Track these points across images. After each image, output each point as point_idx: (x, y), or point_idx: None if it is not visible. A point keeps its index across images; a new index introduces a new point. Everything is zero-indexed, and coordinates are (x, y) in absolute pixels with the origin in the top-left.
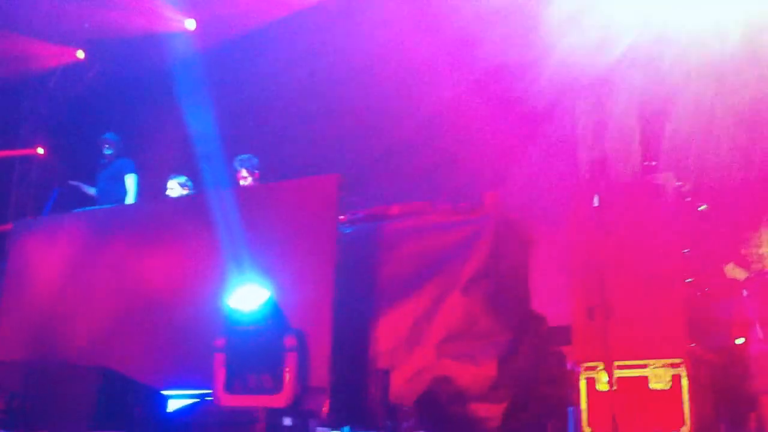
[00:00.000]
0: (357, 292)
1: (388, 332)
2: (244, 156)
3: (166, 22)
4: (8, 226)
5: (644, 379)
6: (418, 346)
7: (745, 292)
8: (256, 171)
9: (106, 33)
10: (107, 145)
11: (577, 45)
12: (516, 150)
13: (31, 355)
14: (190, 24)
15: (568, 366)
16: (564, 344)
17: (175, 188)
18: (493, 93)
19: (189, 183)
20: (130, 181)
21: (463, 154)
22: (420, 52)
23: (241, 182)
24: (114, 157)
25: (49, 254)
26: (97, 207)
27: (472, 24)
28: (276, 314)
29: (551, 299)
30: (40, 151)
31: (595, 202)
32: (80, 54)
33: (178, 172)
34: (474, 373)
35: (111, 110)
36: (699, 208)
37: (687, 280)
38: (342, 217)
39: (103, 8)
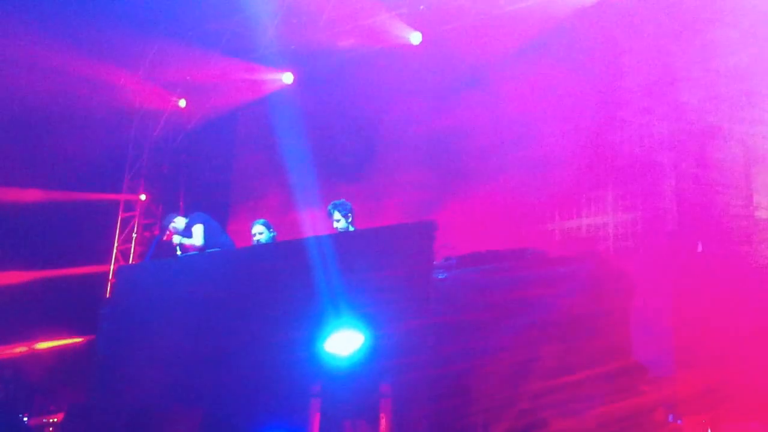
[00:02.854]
0: (453, 338)
1: (484, 379)
2: (338, 201)
3: (264, 75)
4: (106, 268)
5: None
6: (515, 395)
7: None
8: (350, 215)
9: (207, 84)
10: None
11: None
12: (612, 196)
13: (132, 397)
14: (288, 78)
15: (670, 418)
16: (667, 395)
17: (263, 232)
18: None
19: (271, 225)
20: (197, 230)
21: (561, 202)
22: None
23: (335, 226)
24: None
25: (149, 298)
26: (195, 253)
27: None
28: (372, 360)
29: (652, 348)
30: (143, 197)
31: (699, 248)
32: (182, 103)
33: (273, 218)
34: (573, 423)
35: (211, 158)
36: None
37: None
38: (437, 262)
39: (206, 61)
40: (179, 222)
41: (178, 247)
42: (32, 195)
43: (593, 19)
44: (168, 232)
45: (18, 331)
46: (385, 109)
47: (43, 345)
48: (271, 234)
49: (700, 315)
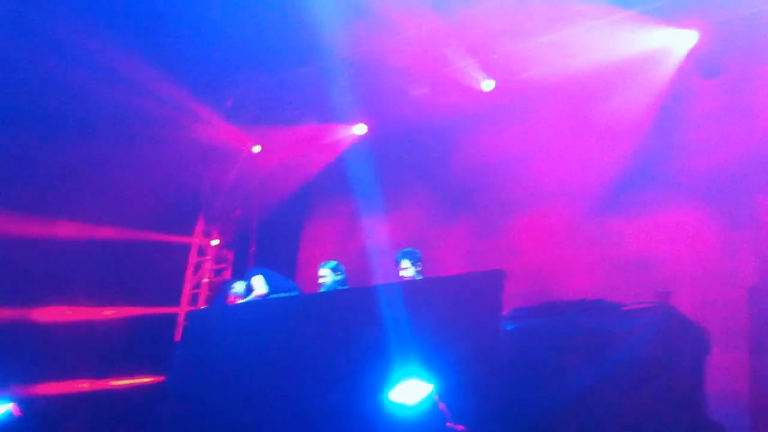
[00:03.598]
0: (522, 389)
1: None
2: (408, 249)
3: (338, 131)
4: (176, 310)
5: None
6: None
7: None
8: (419, 263)
9: (281, 130)
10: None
11: None
12: (687, 245)
13: None
14: (361, 129)
15: None
16: None
17: (327, 275)
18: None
19: (341, 267)
20: (257, 280)
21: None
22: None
23: (401, 274)
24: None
25: (219, 342)
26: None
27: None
28: (440, 410)
29: (727, 408)
30: (215, 242)
31: None
32: (257, 148)
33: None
34: None
35: (283, 205)
36: None
37: None
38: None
39: (281, 106)
40: (238, 287)
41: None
42: (105, 232)
43: None
44: (230, 297)
45: (89, 368)
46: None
47: (115, 383)
48: (339, 278)
49: None
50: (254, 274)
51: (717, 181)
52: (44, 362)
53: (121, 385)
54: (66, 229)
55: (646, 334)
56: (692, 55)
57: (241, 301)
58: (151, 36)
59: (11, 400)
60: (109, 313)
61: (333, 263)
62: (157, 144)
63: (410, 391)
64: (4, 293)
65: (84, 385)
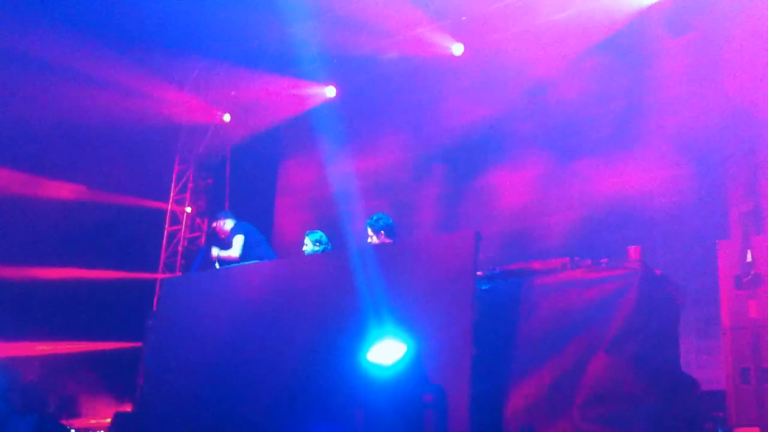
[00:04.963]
0: (496, 349)
1: (528, 392)
2: (375, 216)
3: (307, 90)
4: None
5: None
6: (560, 408)
7: None
8: (382, 231)
9: (251, 99)
10: (222, 223)
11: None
12: (658, 205)
13: (177, 408)
14: (330, 91)
15: None
16: (715, 409)
17: (308, 244)
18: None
19: (324, 239)
20: (237, 241)
21: (606, 210)
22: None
23: (369, 241)
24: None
25: (194, 309)
26: (239, 263)
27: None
28: (415, 370)
29: (701, 361)
30: (188, 209)
31: (749, 258)
32: (227, 118)
33: (321, 224)
34: None
35: (255, 173)
36: None
37: None
38: (479, 273)
39: (250, 77)
40: (227, 224)
41: (216, 261)
42: (79, 191)
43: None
44: (215, 228)
45: (62, 330)
46: (427, 120)
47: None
48: (318, 248)
49: (753, 325)
50: (240, 232)
51: (689, 139)
52: (20, 322)
53: (99, 347)
54: (43, 188)
55: (620, 292)
56: (661, 14)
57: (214, 250)
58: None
59: None
60: (87, 274)
61: (317, 234)
62: (127, 117)
63: (386, 351)
64: None
65: (62, 347)
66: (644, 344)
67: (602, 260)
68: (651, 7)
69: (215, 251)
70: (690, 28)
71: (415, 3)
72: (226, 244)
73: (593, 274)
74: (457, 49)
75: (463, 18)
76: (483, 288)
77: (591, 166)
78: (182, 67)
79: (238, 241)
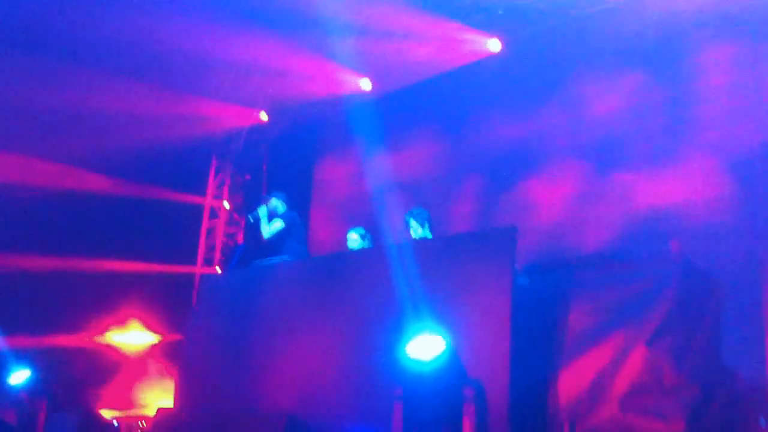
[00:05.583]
0: (536, 343)
1: (569, 385)
2: (416, 209)
3: (343, 83)
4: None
5: None
6: (600, 400)
7: None
8: (426, 223)
9: (287, 96)
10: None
11: None
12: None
13: (214, 403)
14: (366, 84)
15: (762, 422)
16: (757, 404)
17: (355, 239)
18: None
19: (368, 235)
20: (275, 225)
21: (646, 227)
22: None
23: (412, 234)
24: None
25: (234, 305)
26: (277, 260)
27: None
28: (454, 364)
29: (744, 354)
30: (226, 205)
31: None
32: (263, 116)
33: (361, 223)
34: (660, 429)
35: (292, 169)
36: None
37: None
38: (518, 267)
39: (284, 75)
40: (279, 207)
41: (251, 217)
42: (117, 184)
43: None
44: (264, 204)
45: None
46: (463, 128)
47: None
48: (367, 242)
49: None
50: (284, 218)
51: (732, 155)
52: (57, 313)
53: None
54: (82, 180)
55: (660, 285)
56: (703, 25)
57: (262, 210)
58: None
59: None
60: (126, 267)
61: (361, 229)
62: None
63: (425, 346)
64: (26, 242)
65: (101, 339)
66: (685, 337)
67: (642, 253)
68: (693, 18)
69: (263, 211)
70: (733, 40)
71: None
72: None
73: (633, 266)
74: (494, 45)
75: (500, 12)
76: (522, 283)
77: (630, 182)
78: (215, 72)
79: (276, 225)
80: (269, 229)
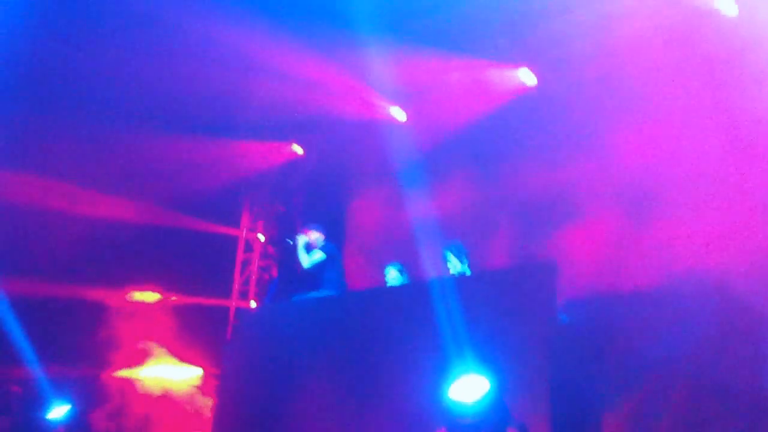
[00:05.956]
0: (579, 380)
1: (612, 422)
2: (453, 243)
3: (378, 114)
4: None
5: None
6: None
7: None
8: (464, 257)
9: (320, 127)
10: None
11: None
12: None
13: None
14: (401, 115)
15: None
16: None
17: (394, 276)
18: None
19: (405, 270)
20: (315, 255)
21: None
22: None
23: (449, 267)
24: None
25: (270, 340)
26: (316, 294)
27: None
28: (497, 406)
29: None
30: (261, 237)
31: None
32: (298, 149)
33: (395, 259)
34: None
35: (327, 202)
36: None
37: None
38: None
39: (318, 106)
40: (317, 237)
41: (290, 240)
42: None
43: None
44: (303, 234)
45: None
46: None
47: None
48: (403, 279)
49: None
50: (325, 250)
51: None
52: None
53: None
54: (109, 206)
55: (702, 319)
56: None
57: (301, 239)
58: None
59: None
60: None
61: (399, 265)
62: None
63: (468, 388)
64: (64, 271)
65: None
66: (723, 370)
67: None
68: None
69: (302, 240)
70: None
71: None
72: (308, 252)
73: (674, 301)
74: (530, 79)
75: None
76: (564, 319)
77: (669, 230)
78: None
79: (316, 255)
80: (309, 259)
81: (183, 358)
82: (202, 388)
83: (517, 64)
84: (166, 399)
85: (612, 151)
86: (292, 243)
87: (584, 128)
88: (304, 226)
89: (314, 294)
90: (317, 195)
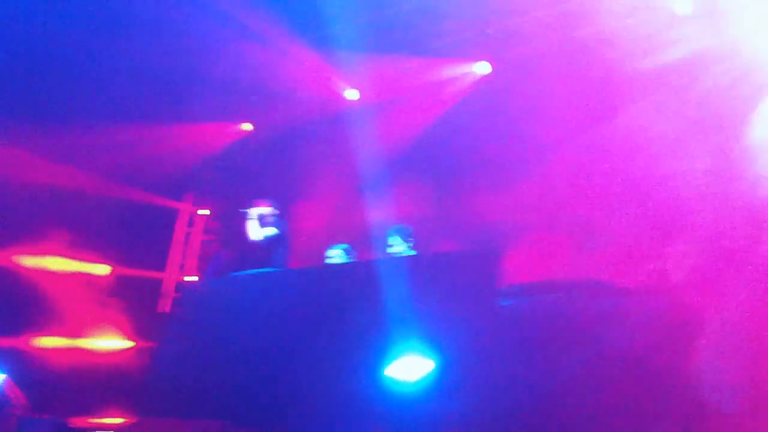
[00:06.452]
0: (514, 366)
1: (546, 409)
2: (398, 225)
3: (330, 92)
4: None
5: None
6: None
7: None
8: (410, 240)
9: (271, 105)
10: (268, 208)
11: None
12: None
13: (189, 415)
14: (353, 94)
15: None
16: None
17: (338, 255)
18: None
19: (352, 251)
20: (267, 231)
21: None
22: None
23: (392, 251)
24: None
25: (213, 315)
26: (258, 270)
27: None
28: (438, 386)
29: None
30: (205, 212)
31: None
32: (248, 126)
33: (337, 239)
34: None
35: (273, 177)
36: None
37: None
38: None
39: (269, 81)
40: (269, 212)
41: (245, 211)
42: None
43: None
44: (256, 207)
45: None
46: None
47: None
48: (348, 260)
49: None
50: (277, 227)
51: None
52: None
53: (103, 347)
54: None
55: (645, 315)
56: None
57: (253, 213)
58: None
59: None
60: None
61: (345, 245)
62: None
63: (410, 367)
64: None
65: (62, 342)
66: (662, 369)
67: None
68: None
69: (254, 213)
70: None
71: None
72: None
73: (614, 296)
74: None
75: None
76: (504, 304)
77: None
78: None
79: (269, 230)
80: (261, 232)
81: (116, 330)
82: (134, 361)
83: (474, 60)
84: (96, 368)
85: (568, 148)
86: (246, 213)
87: (540, 126)
88: (258, 200)
89: (262, 270)
90: (267, 173)
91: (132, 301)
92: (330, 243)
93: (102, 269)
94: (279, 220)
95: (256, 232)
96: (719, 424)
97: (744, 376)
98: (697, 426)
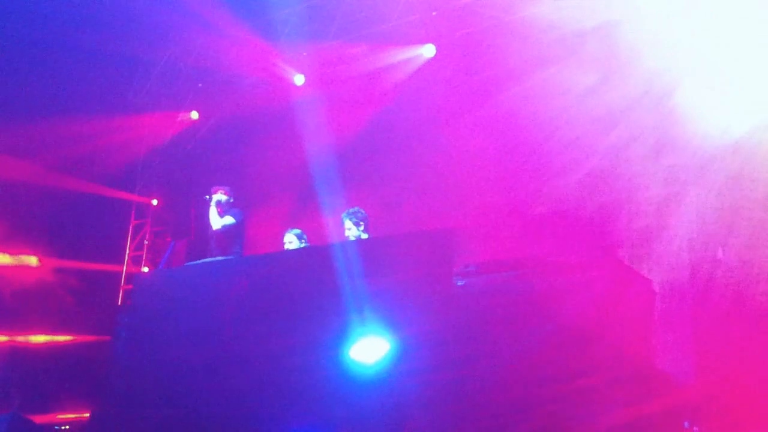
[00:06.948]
0: (470, 343)
1: (500, 383)
2: (352, 209)
3: (276, 78)
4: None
5: None
6: (530, 399)
7: None
8: (362, 224)
9: (218, 92)
10: (226, 195)
11: None
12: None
13: (156, 404)
14: (299, 79)
15: (686, 425)
16: (685, 402)
17: (293, 241)
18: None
19: (304, 236)
20: (227, 220)
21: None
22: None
23: (346, 234)
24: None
25: (170, 305)
26: (213, 259)
27: None
28: (396, 367)
29: (673, 355)
30: (155, 202)
31: (720, 254)
32: (194, 115)
33: (291, 225)
34: (587, 429)
35: (223, 164)
36: None
37: None
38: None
39: (216, 70)
40: (226, 200)
41: (208, 197)
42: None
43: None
44: (214, 194)
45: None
46: (401, 116)
47: (43, 338)
48: (302, 245)
49: (720, 322)
50: (236, 216)
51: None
52: None
53: (62, 341)
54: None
55: (592, 287)
56: None
57: (215, 199)
58: None
59: None
60: (47, 263)
61: (297, 230)
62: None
63: (369, 349)
64: None
65: (20, 339)
66: (614, 338)
67: (573, 256)
68: None
69: (215, 199)
70: None
71: None
72: (219, 213)
73: (566, 270)
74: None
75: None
76: (459, 284)
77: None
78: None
79: (228, 220)
80: (220, 221)
81: (69, 323)
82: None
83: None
84: (52, 363)
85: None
86: (209, 198)
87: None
88: (215, 186)
89: (218, 259)
90: (216, 161)
91: (86, 295)
92: (283, 229)
93: (30, 260)
94: (235, 209)
95: (216, 220)
96: (668, 390)
97: (692, 344)
98: (646, 393)
